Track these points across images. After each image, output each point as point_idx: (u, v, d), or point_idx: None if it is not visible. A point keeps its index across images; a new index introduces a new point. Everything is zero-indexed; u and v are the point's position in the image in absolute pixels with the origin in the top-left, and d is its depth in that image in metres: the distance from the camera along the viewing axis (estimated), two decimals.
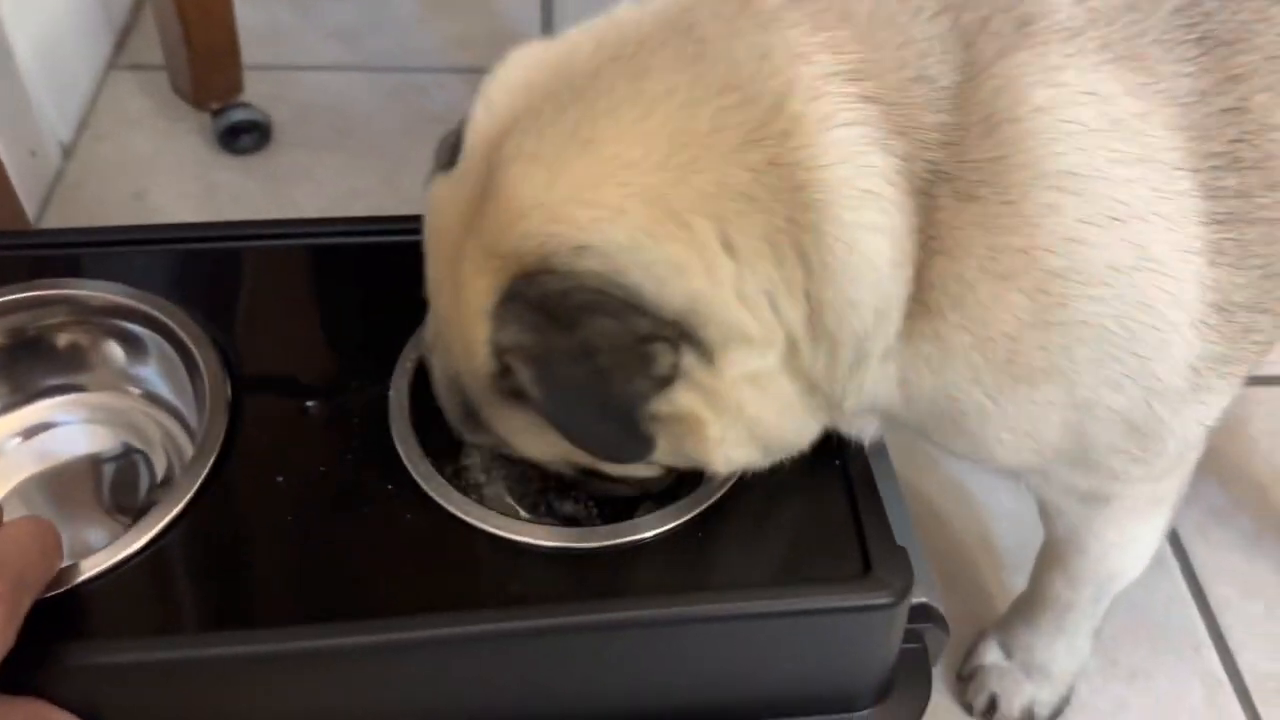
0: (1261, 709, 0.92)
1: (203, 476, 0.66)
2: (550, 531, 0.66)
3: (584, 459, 0.64)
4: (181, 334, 0.72)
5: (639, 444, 0.60)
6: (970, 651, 0.91)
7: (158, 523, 0.64)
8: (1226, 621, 0.98)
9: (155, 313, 0.73)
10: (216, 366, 0.71)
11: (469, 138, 0.60)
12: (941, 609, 0.69)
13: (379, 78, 1.45)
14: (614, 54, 0.57)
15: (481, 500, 0.69)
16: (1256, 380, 1.15)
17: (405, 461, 0.68)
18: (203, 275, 0.79)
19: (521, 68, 0.60)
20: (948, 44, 0.56)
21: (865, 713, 0.71)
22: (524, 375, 0.57)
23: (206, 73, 1.27)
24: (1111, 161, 0.55)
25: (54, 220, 1.25)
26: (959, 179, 0.55)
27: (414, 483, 0.67)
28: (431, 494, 0.66)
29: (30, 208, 1.22)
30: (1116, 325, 0.57)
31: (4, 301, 0.73)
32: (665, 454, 0.63)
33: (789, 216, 0.55)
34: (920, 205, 0.56)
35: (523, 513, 0.73)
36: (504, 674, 0.65)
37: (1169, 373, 0.59)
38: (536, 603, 0.63)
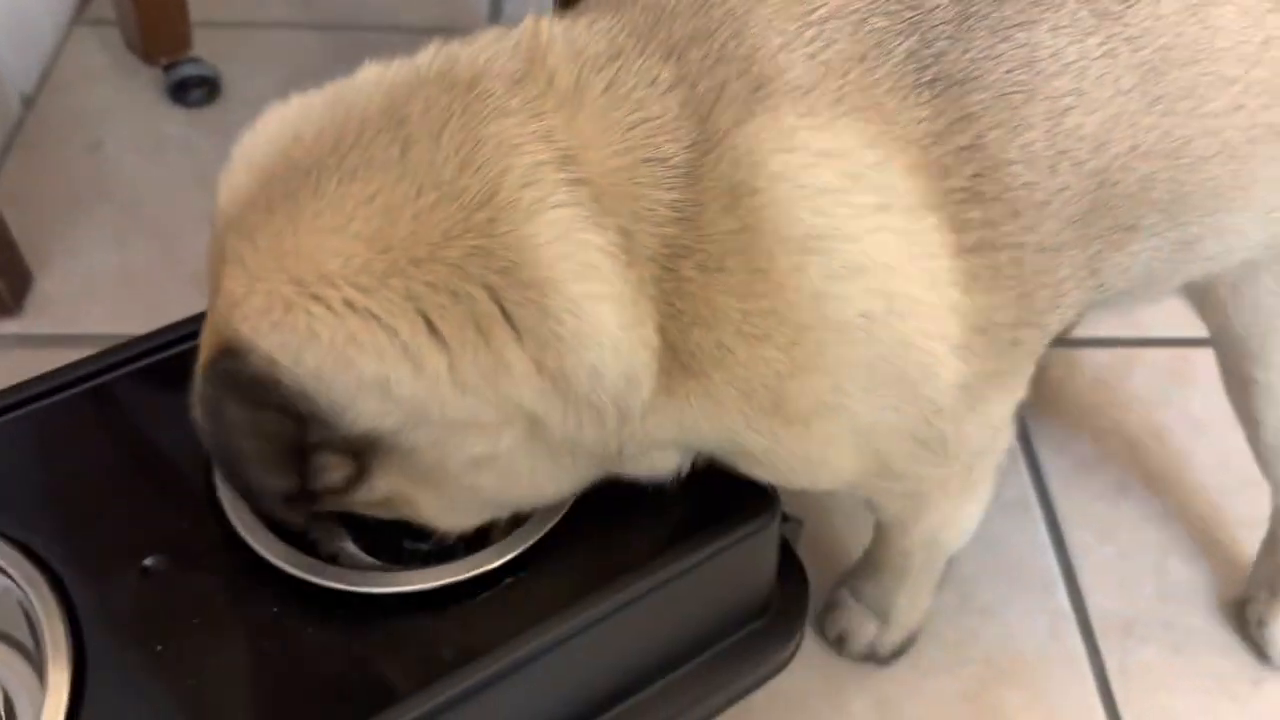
0: (1101, 643, 0.99)
1: (69, 683, 0.62)
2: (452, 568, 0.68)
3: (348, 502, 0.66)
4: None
5: (292, 521, 0.65)
6: (830, 590, 0.98)
7: None
8: (1080, 564, 1.05)
9: None
10: (45, 578, 0.66)
11: (218, 205, 0.62)
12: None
13: (329, 35, 1.51)
14: (334, 144, 0.58)
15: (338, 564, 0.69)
16: (1138, 342, 1.22)
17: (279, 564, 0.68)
18: None
19: (264, 140, 0.61)
20: (681, 119, 0.58)
21: (769, 613, 0.79)
22: (210, 443, 0.62)
23: (155, 28, 1.33)
24: (852, 216, 0.58)
25: (13, 170, 1.32)
26: (700, 251, 0.58)
27: (301, 579, 0.67)
28: (317, 579, 0.67)
29: None
30: (879, 363, 0.62)
31: None
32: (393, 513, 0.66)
33: (501, 299, 0.57)
34: (655, 276, 0.58)
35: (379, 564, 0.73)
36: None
37: (940, 395, 0.64)
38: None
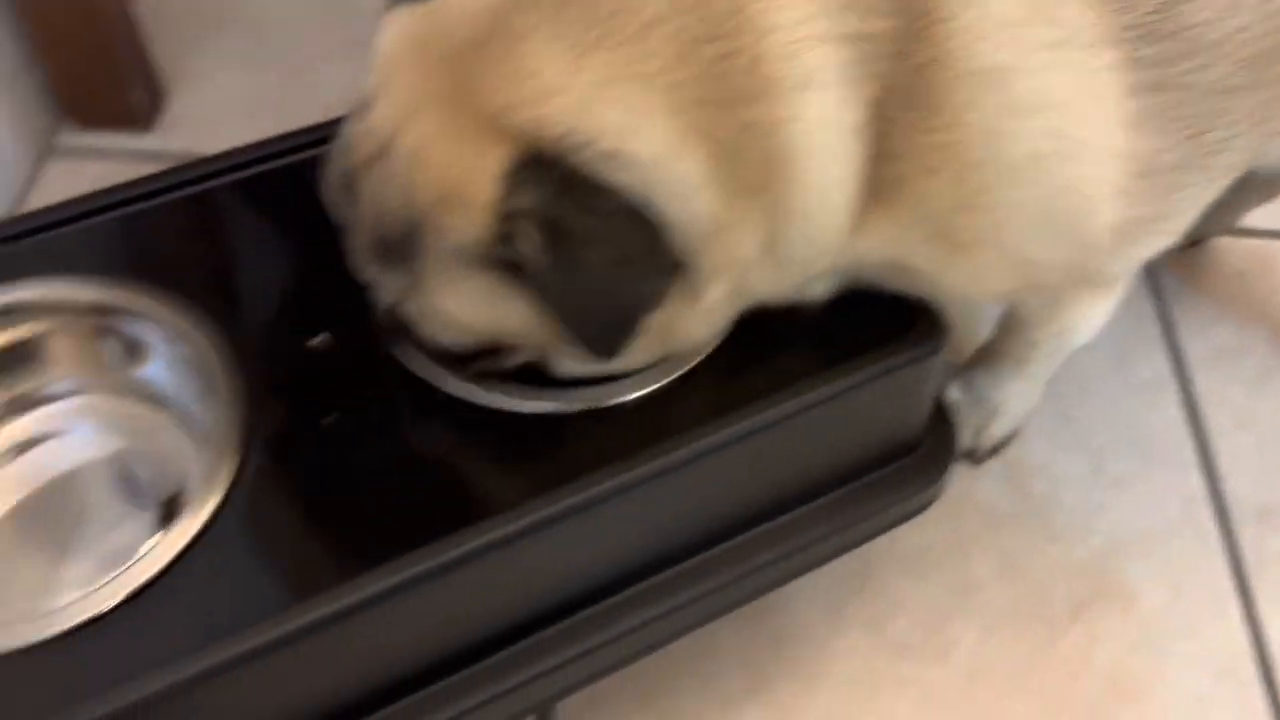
0: (1236, 528, 0.97)
1: (240, 447, 0.63)
2: (623, 386, 0.68)
3: (511, 337, 0.64)
4: (169, 317, 0.69)
5: (622, 344, 0.60)
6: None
7: (209, 502, 0.61)
8: (1217, 447, 1.01)
9: (136, 303, 0.69)
10: (217, 346, 0.67)
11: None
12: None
13: None
14: None
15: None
16: None
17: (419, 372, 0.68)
18: (153, 240, 0.76)
19: None
20: None
21: (918, 452, 0.78)
22: (531, 242, 0.55)
23: None
24: (1030, 50, 0.57)
25: None
26: (903, 89, 0.57)
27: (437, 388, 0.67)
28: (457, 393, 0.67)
29: None
30: (1038, 206, 0.61)
31: None
32: None
33: (768, 166, 0.57)
34: (877, 130, 0.58)
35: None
36: (622, 529, 0.68)
37: (1095, 236, 0.63)
38: (625, 456, 0.64)
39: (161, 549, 0.60)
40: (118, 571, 0.60)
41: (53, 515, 0.68)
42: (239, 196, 0.77)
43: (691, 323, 0.64)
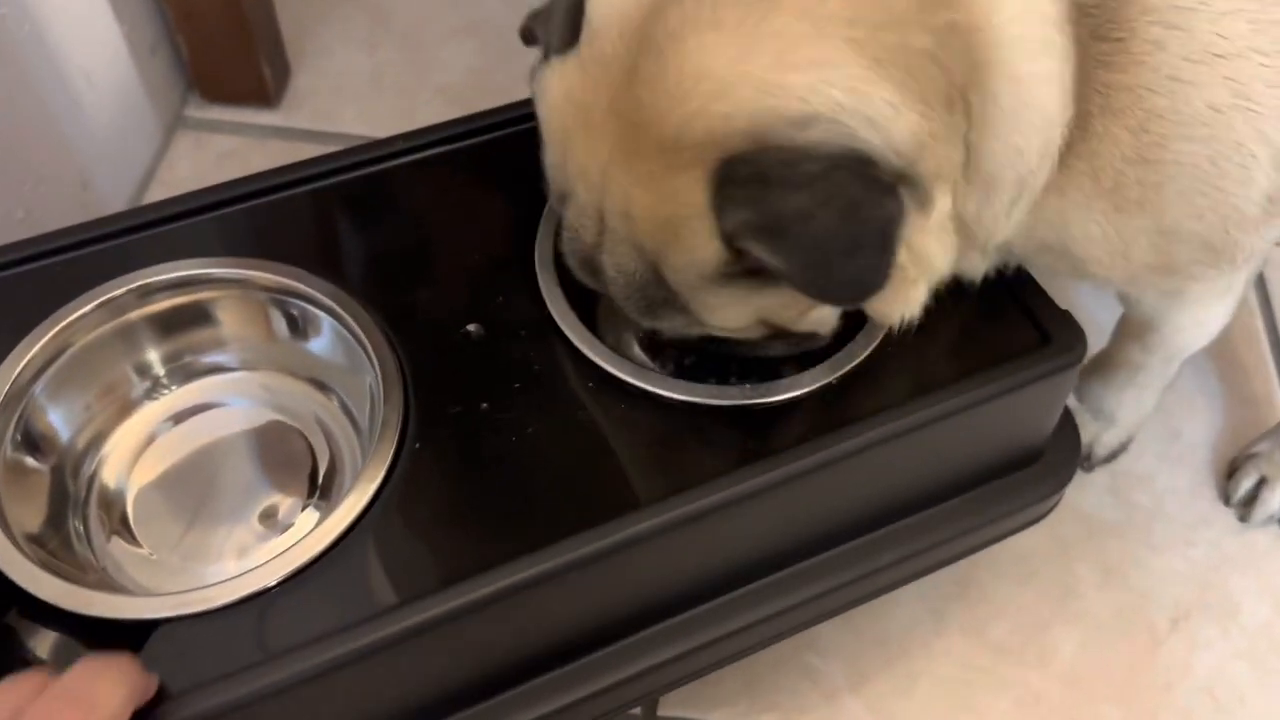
0: None
1: (398, 429, 0.65)
2: (776, 386, 0.69)
3: (783, 318, 0.65)
4: (333, 298, 0.70)
5: (887, 270, 0.57)
6: None
7: (369, 485, 0.64)
8: None
9: (304, 283, 0.71)
10: (378, 329, 0.69)
11: (598, 20, 0.57)
12: None
13: None
14: None
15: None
16: None
17: (593, 357, 0.69)
18: (307, 225, 0.78)
19: None
20: None
21: (1042, 460, 0.79)
22: (761, 250, 0.55)
23: None
24: None
25: None
26: (1093, 14, 0.57)
27: (611, 375, 0.68)
28: (638, 381, 0.68)
29: None
30: (1208, 164, 0.60)
31: (159, 281, 0.71)
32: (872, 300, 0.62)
33: (965, 74, 0.56)
34: (1075, 42, 0.57)
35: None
36: (754, 526, 0.69)
37: (1248, 203, 0.63)
38: (786, 449, 0.66)
39: (325, 527, 0.63)
40: (282, 548, 0.63)
41: (206, 482, 0.71)
42: (401, 181, 0.79)
43: (932, 245, 0.61)
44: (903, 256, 0.58)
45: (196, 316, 0.73)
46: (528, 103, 0.65)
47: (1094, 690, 0.89)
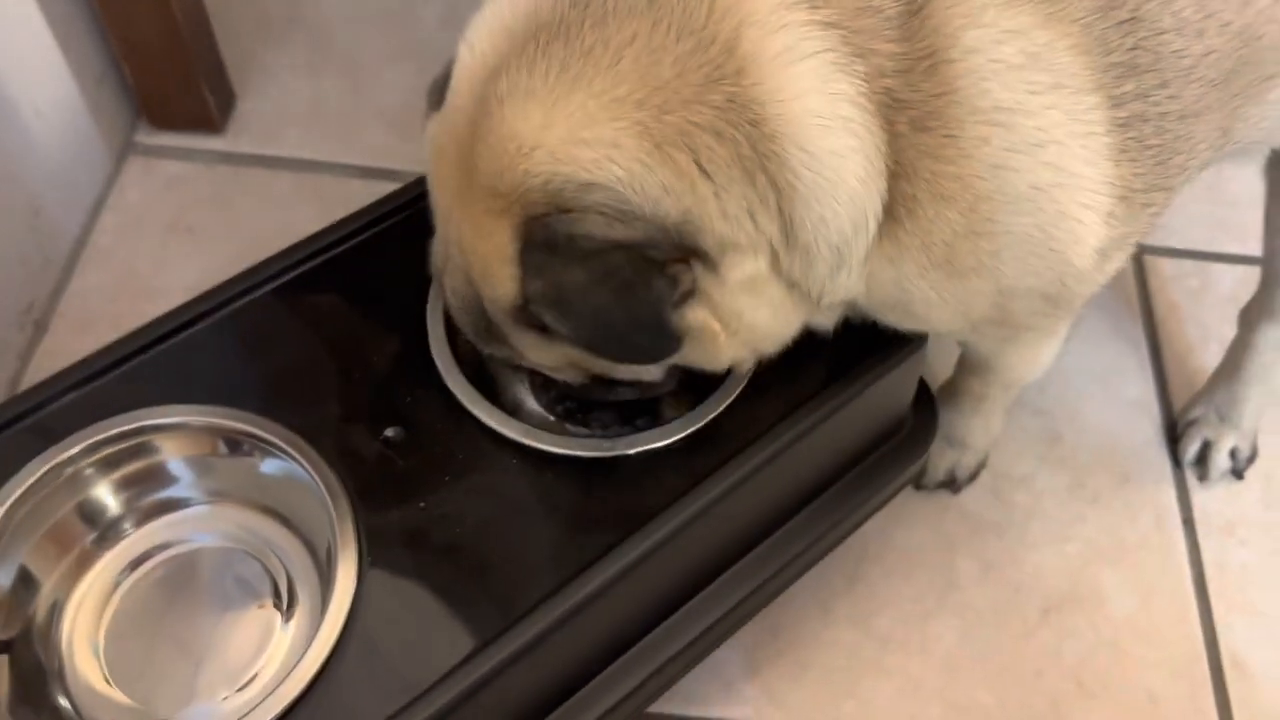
0: (1202, 540, 1.06)
1: (357, 542, 0.71)
2: (663, 431, 0.76)
3: (596, 366, 0.71)
4: (266, 431, 0.74)
5: (669, 342, 0.66)
6: None
7: (350, 584, 0.69)
8: (1190, 466, 1.10)
9: (236, 420, 0.75)
10: (304, 447, 0.74)
11: (456, 79, 0.66)
12: None
13: None
14: (572, 1, 0.62)
15: (522, 416, 0.77)
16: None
17: (499, 429, 0.75)
18: (213, 357, 0.80)
19: (498, 15, 0.65)
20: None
21: (906, 428, 0.90)
22: (548, 318, 0.64)
23: None
24: (1031, 93, 0.63)
25: None
26: (913, 108, 0.63)
27: (529, 446, 0.75)
28: (541, 445, 0.75)
29: None
30: (1037, 233, 0.68)
31: (94, 442, 0.74)
32: (679, 359, 0.71)
33: (754, 146, 0.62)
34: (883, 127, 0.64)
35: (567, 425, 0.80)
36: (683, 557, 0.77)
37: (1080, 259, 0.70)
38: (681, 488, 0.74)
39: (317, 645, 0.68)
40: (265, 677, 0.69)
41: (178, 621, 0.75)
42: (289, 301, 0.83)
43: (742, 304, 0.68)
44: (702, 317, 0.66)
45: (151, 466, 0.76)
46: (392, 198, 0.77)
47: (970, 677, 0.98)
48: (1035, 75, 0.63)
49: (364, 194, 1.22)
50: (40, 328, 1.11)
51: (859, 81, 0.62)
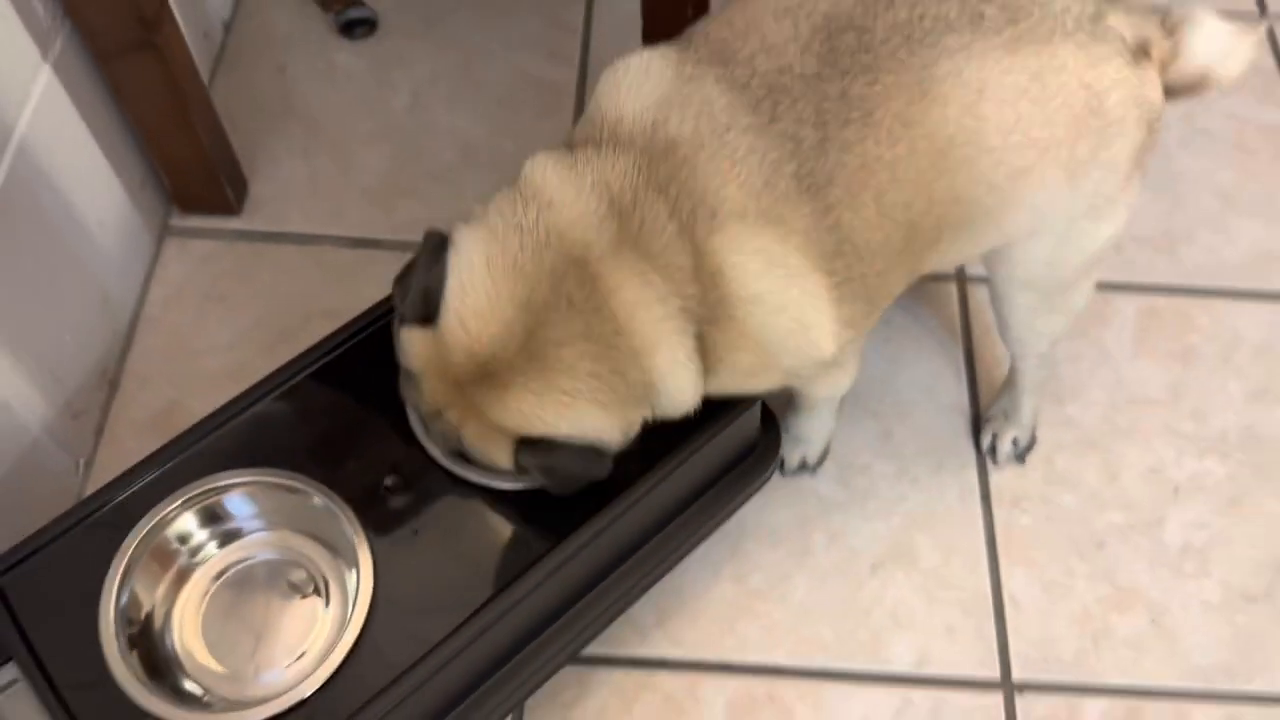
0: (995, 511, 1.42)
1: (370, 553, 1.06)
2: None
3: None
4: (306, 488, 1.09)
5: (603, 477, 1.05)
6: None
7: (368, 581, 1.05)
8: (990, 456, 1.46)
9: (281, 480, 1.10)
10: (333, 495, 1.08)
11: (451, 338, 0.97)
12: None
13: None
14: (531, 286, 0.96)
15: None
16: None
17: (463, 474, 1.10)
18: (258, 433, 1.13)
19: (479, 285, 0.96)
20: (681, 240, 0.97)
21: (756, 450, 1.26)
22: (537, 478, 1.02)
23: None
24: (777, 281, 0.99)
25: (221, 88, 1.71)
26: (709, 313, 1.00)
27: (475, 483, 1.10)
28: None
29: (204, 75, 1.68)
30: (796, 351, 1.06)
31: (188, 498, 1.09)
32: None
33: (639, 373, 1.00)
34: (696, 332, 1.01)
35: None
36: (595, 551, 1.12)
37: (825, 355, 1.07)
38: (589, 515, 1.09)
39: (351, 626, 1.04)
40: (325, 647, 1.04)
41: (250, 602, 1.08)
42: (311, 391, 1.17)
43: (635, 429, 1.08)
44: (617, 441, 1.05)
45: (224, 509, 1.11)
46: (364, 316, 1.16)
47: (818, 618, 1.34)
48: (778, 271, 0.99)
49: (354, 261, 1.57)
50: (114, 386, 1.45)
51: (690, 340, 1.01)
